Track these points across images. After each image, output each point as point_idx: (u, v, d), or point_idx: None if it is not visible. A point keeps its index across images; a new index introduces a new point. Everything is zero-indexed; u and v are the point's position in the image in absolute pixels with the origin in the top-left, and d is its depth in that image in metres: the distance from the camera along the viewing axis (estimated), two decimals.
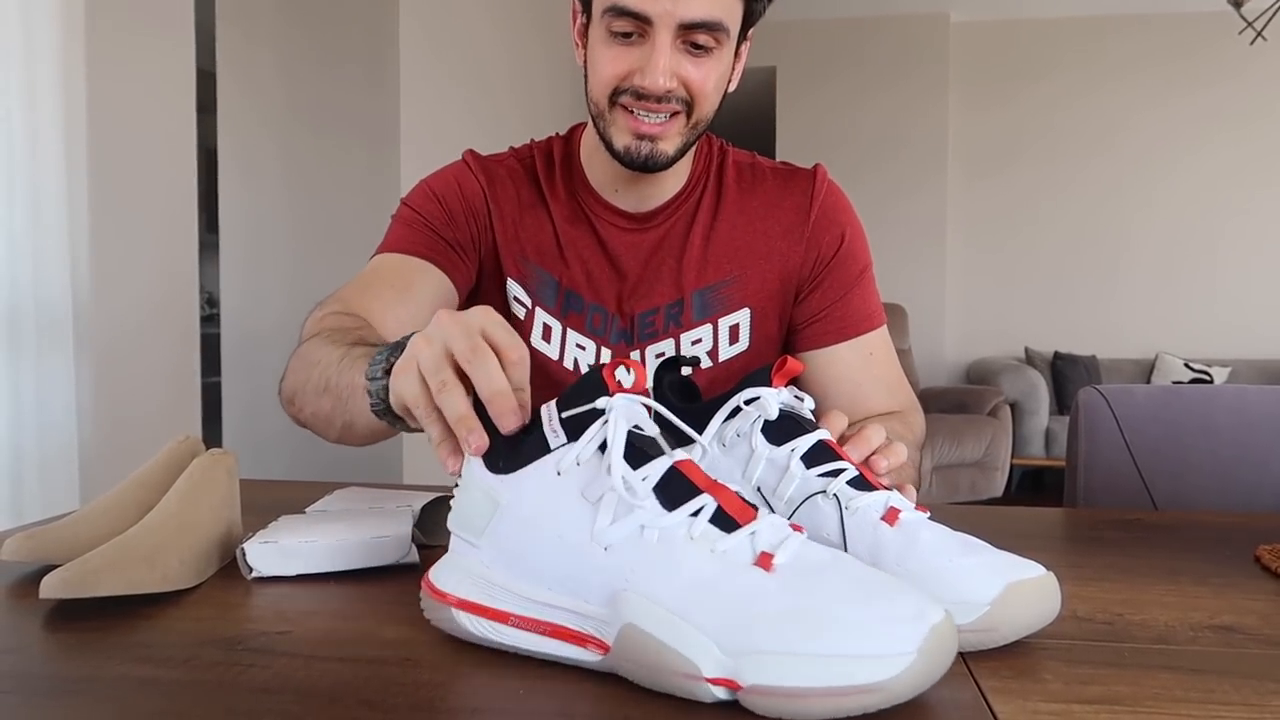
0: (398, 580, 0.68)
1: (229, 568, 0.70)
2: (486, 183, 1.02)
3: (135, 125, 2.00)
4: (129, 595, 0.62)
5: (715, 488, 0.50)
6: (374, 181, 3.02)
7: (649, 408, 0.51)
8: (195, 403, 2.22)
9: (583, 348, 1.01)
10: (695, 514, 0.48)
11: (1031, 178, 5.51)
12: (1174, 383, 4.95)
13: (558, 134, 1.08)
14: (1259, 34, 3.77)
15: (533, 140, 1.09)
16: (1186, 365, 5.25)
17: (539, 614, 0.50)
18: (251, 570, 0.68)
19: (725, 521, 0.48)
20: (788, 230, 1.02)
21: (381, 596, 0.64)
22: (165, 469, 0.77)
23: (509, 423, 0.51)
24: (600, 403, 0.50)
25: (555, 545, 0.49)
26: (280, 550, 0.68)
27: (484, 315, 0.54)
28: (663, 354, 1.01)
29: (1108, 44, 5.38)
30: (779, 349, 1.06)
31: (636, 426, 0.50)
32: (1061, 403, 5.10)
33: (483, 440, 0.51)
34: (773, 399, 0.64)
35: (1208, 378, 5.14)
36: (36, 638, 0.58)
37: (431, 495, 0.80)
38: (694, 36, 0.87)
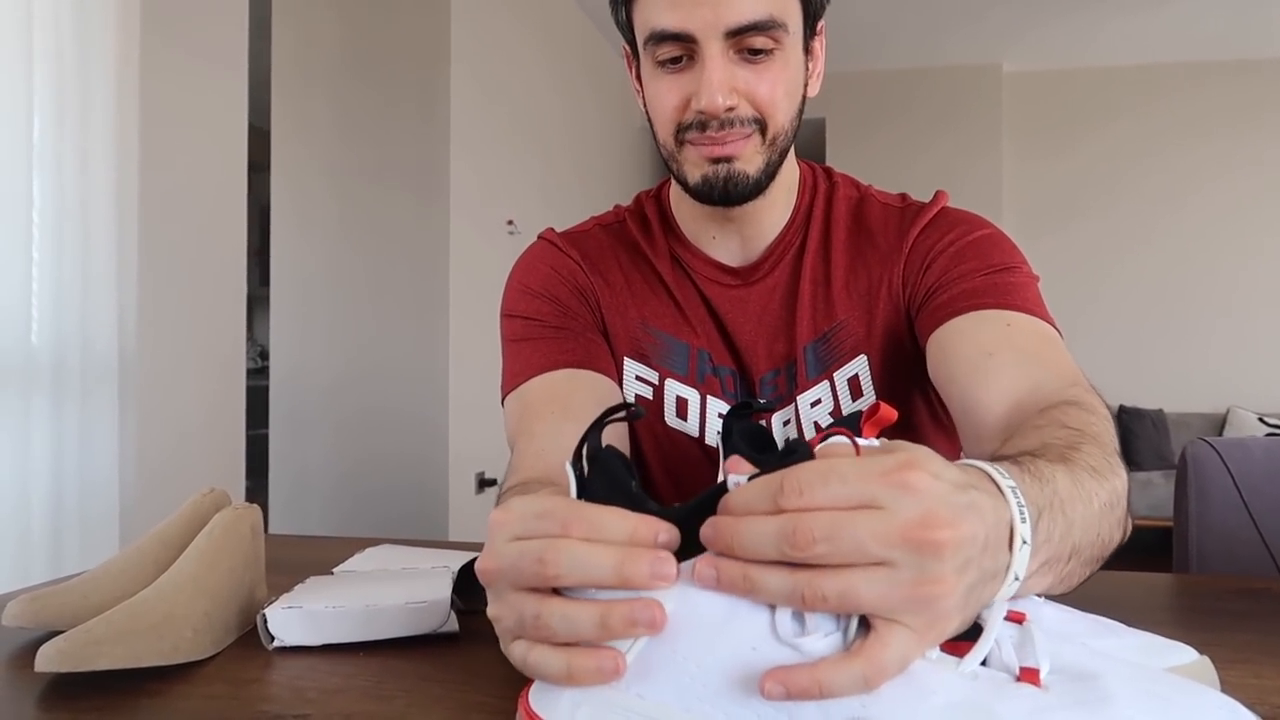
0: (436, 652, 0.60)
1: (250, 635, 0.63)
2: (581, 257, 0.92)
3: (186, 177, 2.00)
4: (132, 669, 0.55)
5: None
6: (423, 236, 3.01)
7: None
8: (240, 455, 2.18)
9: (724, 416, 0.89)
10: None
11: (1091, 229, 5.36)
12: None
13: (646, 192, 0.97)
14: None
15: (616, 206, 0.98)
16: (1261, 420, 5.01)
17: None
18: (273, 639, 0.61)
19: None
20: (887, 255, 0.87)
21: (416, 672, 0.57)
22: (188, 524, 0.71)
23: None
24: None
25: (746, 661, 0.38)
26: (305, 617, 0.60)
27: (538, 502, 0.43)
28: (789, 421, 0.90)
29: (1166, 92, 5.27)
30: (912, 408, 0.90)
31: None
32: (1129, 457, 4.87)
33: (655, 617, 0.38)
34: (867, 448, 0.55)
35: None
36: (28, 717, 0.51)
37: (470, 555, 0.73)
38: (748, 42, 0.76)
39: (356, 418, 3.05)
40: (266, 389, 3.11)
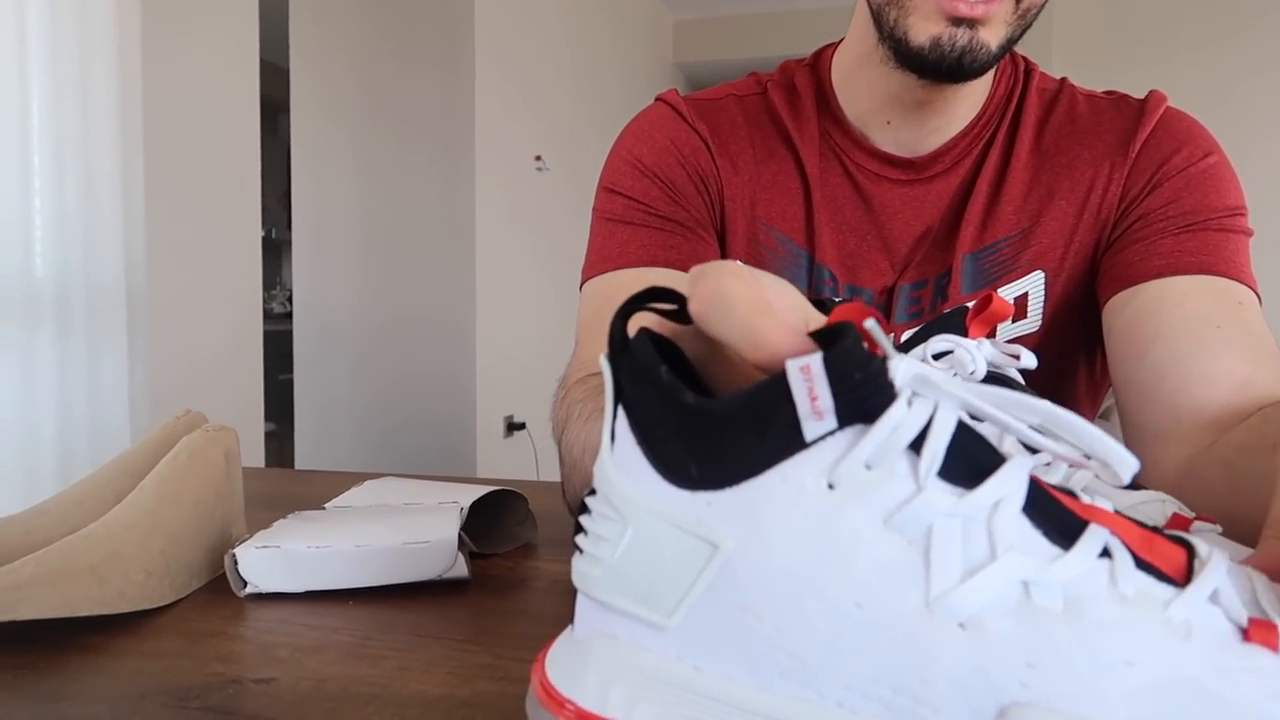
0: (438, 603, 0.50)
1: (221, 581, 0.53)
2: (710, 132, 0.77)
3: (194, 108, 1.90)
4: (73, 618, 0.45)
5: (1095, 511, 0.29)
6: (449, 174, 2.89)
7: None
8: (258, 396, 2.10)
9: None
10: (1104, 555, 0.27)
11: None
12: None
13: (796, 60, 0.80)
14: None
15: (754, 73, 0.81)
16: None
17: None
18: (245, 585, 0.50)
19: (1149, 568, 0.27)
20: (1102, 157, 0.72)
21: (413, 626, 0.46)
22: (156, 450, 0.60)
23: None
24: (902, 370, 0.27)
25: (848, 623, 0.27)
26: (282, 558, 0.50)
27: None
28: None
29: (1233, 24, 4.96)
30: (1089, 333, 0.75)
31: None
32: None
33: None
34: (974, 354, 0.43)
35: None
36: None
37: (486, 489, 0.62)
38: None
39: (383, 361, 2.96)
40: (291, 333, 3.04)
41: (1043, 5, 0.67)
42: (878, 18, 0.68)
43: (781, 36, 4.83)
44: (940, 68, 0.66)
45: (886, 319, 0.74)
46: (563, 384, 0.69)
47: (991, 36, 0.65)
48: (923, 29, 0.65)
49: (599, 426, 0.58)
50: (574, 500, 0.64)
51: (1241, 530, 0.37)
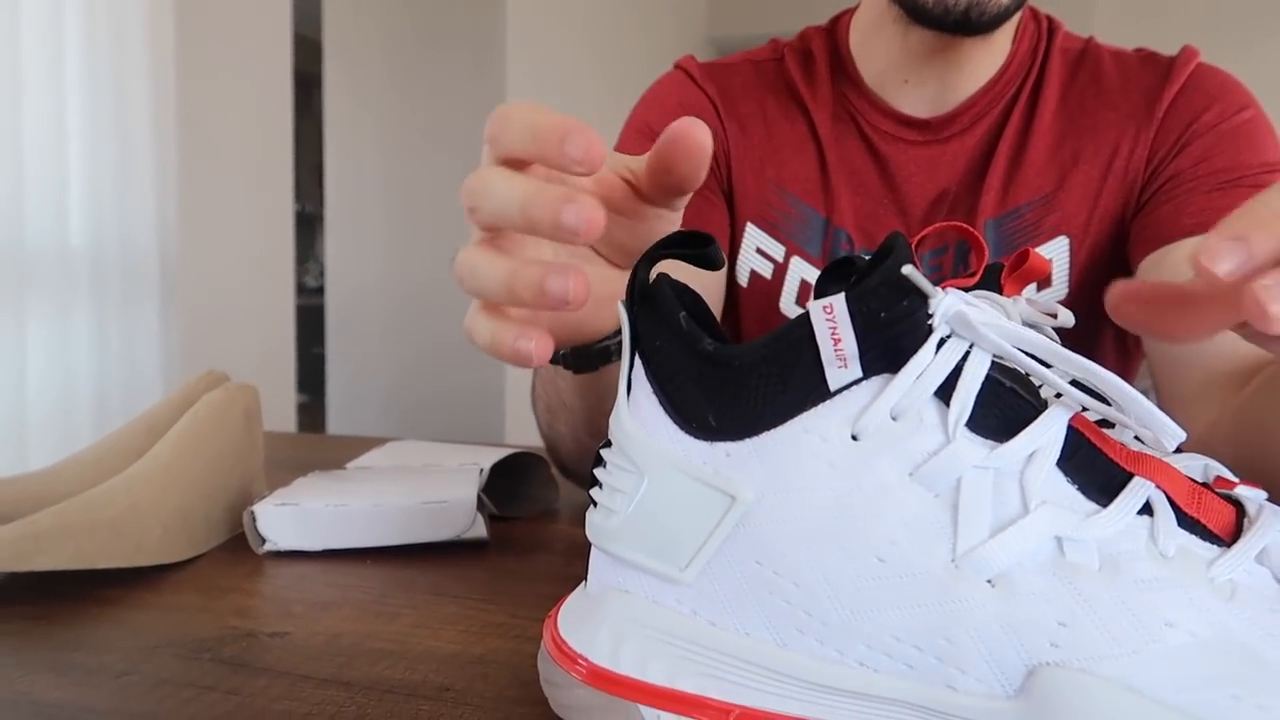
0: (456, 563, 0.49)
1: (240, 538, 0.53)
2: (718, 95, 0.76)
3: (227, 81, 1.90)
4: (91, 570, 0.45)
5: (1144, 461, 0.27)
6: (477, 153, 2.87)
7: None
8: (290, 367, 2.12)
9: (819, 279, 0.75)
10: (1144, 512, 0.25)
11: None
12: None
13: (814, 27, 0.79)
14: None
15: (774, 39, 0.81)
16: None
17: (834, 712, 0.27)
18: (264, 542, 0.50)
19: (1194, 525, 0.26)
20: (1127, 119, 0.70)
21: (429, 585, 0.46)
22: (180, 408, 0.60)
23: (578, 226, 0.28)
24: (944, 307, 0.25)
25: (871, 579, 0.26)
26: (301, 515, 0.50)
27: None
28: None
29: None
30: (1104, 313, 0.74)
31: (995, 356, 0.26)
32: None
33: (572, 288, 0.29)
34: (1010, 311, 0.42)
35: None
36: None
37: (508, 451, 0.61)
38: None
39: (413, 334, 2.98)
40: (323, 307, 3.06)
41: None
42: None
43: (818, 10, 4.74)
44: (947, 21, 0.65)
45: None
46: None
47: None
48: None
49: (535, 378, 0.58)
50: (549, 451, 0.64)
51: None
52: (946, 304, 0.25)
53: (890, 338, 0.25)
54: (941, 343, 0.26)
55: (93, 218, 1.57)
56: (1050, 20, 0.75)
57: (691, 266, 0.32)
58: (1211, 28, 4.72)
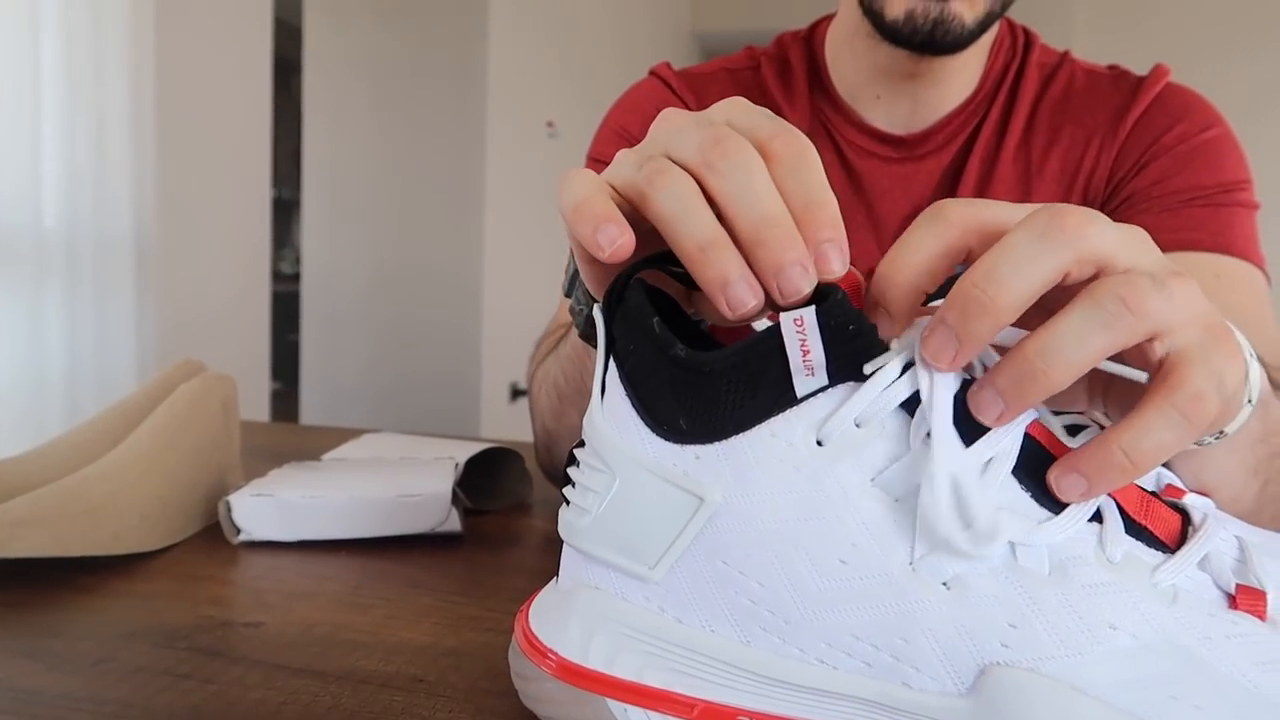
0: (431, 556, 0.50)
1: (216, 528, 0.53)
2: (696, 104, 0.75)
3: (206, 65, 1.89)
4: (67, 558, 0.46)
5: None
6: (459, 138, 2.88)
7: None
8: (265, 354, 2.11)
9: None
10: (1094, 519, 0.26)
11: None
12: None
13: (791, 33, 0.79)
14: None
15: (749, 47, 0.80)
16: None
17: (795, 707, 0.28)
18: (239, 532, 0.51)
19: (1141, 532, 0.27)
20: (1092, 135, 0.70)
21: (404, 577, 0.46)
22: (156, 397, 0.60)
23: (796, 283, 0.27)
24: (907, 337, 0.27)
25: (832, 579, 0.27)
26: (276, 506, 0.50)
27: (740, 110, 0.30)
28: None
29: None
30: None
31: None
32: None
33: (753, 298, 0.27)
34: None
35: None
36: None
37: (483, 446, 0.62)
38: None
39: (389, 323, 2.97)
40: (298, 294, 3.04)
41: None
42: None
43: (802, 7, 4.76)
44: (914, 41, 0.65)
45: None
46: (538, 342, 0.69)
47: (966, 9, 0.63)
48: (897, 3, 0.64)
49: (554, 365, 0.58)
50: (543, 449, 0.64)
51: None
52: (908, 338, 0.26)
53: (855, 349, 0.27)
54: (908, 365, 0.27)
55: (68, 200, 1.55)
56: (1027, 33, 0.75)
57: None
58: (1189, 39, 4.78)
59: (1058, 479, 0.26)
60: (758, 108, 0.30)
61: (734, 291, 0.27)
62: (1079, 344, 0.24)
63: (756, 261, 0.27)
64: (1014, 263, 0.25)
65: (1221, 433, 0.32)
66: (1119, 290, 0.25)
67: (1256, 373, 0.31)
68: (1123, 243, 0.26)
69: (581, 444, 0.31)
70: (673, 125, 0.30)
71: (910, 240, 0.28)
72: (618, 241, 0.28)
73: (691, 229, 0.27)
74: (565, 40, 3.36)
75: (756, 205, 0.27)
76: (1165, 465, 0.37)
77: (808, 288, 0.27)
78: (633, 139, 0.75)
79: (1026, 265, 0.25)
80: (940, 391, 0.26)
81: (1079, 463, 0.25)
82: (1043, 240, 0.25)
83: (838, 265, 0.27)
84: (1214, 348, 0.26)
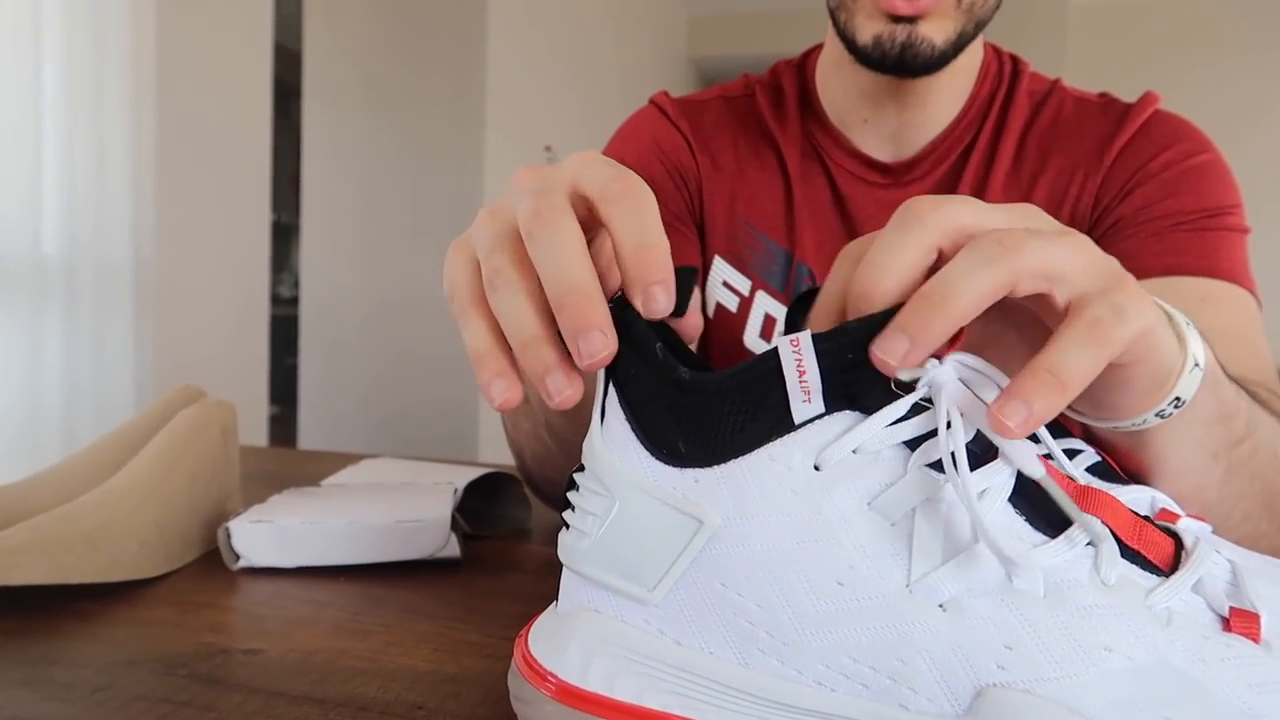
0: (430, 581, 0.50)
1: (215, 554, 0.54)
2: (691, 130, 0.78)
3: (207, 90, 1.90)
4: (66, 585, 0.46)
5: (1091, 495, 0.29)
6: (458, 163, 2.90)
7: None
8: (263, 378, 2.11)
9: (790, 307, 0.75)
10: (1089, 543, 0.27)
11: None
12: None
13: (785, 61, 0.81)
14: None
15: (746, 74, 0.82)
16: None
17: None
18: (238, 559, 0.51)
19: (1135, 557, 0.27)
20: (1078, 163, 0.71)
21: (403, 603, 0.46)
22: (155, 423, 0.61)
23: (593, 346, 0.28)
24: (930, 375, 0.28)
25: (830, 601, 0.27)
26: (275, 533, 0.50)
27: (579, 163, 0.33)
28: None
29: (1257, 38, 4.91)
30: None
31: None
32: None
33: (569, 388, 0.29)
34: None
35: None
36: None
37: (482, 471, 0.62)
38: None
39: (388, 346, 2.97)
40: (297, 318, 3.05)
41: (995, 4, 0.66)
42: (833, 18, 0.69)
43: (797, 32, 4.81)
44: (885, 64, 0.66)
45: None
46: None
47: (935, 31, 0.64)
48: (867, 28, 0.65)
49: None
50: (534, 479, 0.63)
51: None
52: (936, 375, 0.27)
53: (853, 380, 0.27)
54: (919, 405, 0.27)
55: (67, 225, 1.56)
56: (1016, 61, 0.76)
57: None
58: (1180, 50, 4.83)
59: (1001, 407, 0.26)
60: (604, 159, 0.33)
61: (550, 380, 0.29)
62: (969, 280, 0.26)
63: (561, 325, 0.29)
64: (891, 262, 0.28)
65: (1179, 400, 0.32)
66: (995, 235, 0.27)
67: (1198, 342, 0.33)
68: (1012, 220, 0.29)
69: (581, 468, 0.32)
70: (517, 189, 0.32)
71: (887, 243, 0.29)
72: (505, 395, 0.31)
73: (511, 329, 0.30)
74: (563, 66, 3.39)
75: (561, 274, 0.29)
76: (1133, 452, 0.37)
77: (604, 351, 0.28)
78: (627, 165, 0.76)
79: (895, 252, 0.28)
80: (959, 437, 0.26)
81: (1015, 390, 0.26)
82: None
83: (664, 305, 0.29)
84: (1113, 289, 0.28)
